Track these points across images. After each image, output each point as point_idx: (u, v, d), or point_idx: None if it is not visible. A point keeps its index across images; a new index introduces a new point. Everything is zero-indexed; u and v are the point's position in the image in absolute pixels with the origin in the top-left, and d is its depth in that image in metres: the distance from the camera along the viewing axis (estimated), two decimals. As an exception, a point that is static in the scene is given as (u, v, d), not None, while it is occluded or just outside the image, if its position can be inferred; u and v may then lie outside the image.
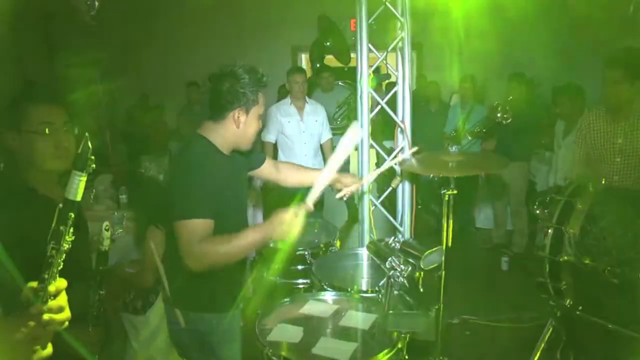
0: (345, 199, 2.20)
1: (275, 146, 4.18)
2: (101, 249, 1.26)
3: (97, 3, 2.80)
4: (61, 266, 1.01)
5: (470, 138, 4.68)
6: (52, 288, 0.98)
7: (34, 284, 1.00)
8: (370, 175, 2.48)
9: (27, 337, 0.93)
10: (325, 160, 4.18)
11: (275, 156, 4.12)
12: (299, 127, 3.99)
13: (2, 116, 1.48)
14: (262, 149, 4.30)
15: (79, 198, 1.00)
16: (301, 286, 2.43)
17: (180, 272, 1.82)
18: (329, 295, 1.93)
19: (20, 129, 1.45)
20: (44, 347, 0.96)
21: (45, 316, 0.96)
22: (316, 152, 4.10)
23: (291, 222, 1.66)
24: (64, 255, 1.01)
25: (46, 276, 0.98)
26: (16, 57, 6.86)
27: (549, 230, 2.10)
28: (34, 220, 1.46)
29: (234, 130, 1.77)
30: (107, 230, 1.21)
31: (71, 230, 1.02)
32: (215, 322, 1.86)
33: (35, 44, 7.32)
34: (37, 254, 1.43)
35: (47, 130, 1.45)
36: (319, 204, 4.28)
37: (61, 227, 1.00)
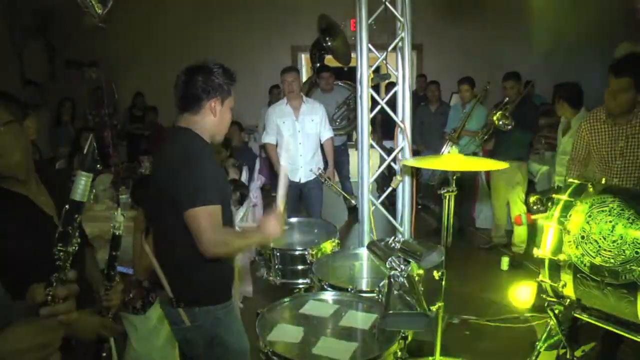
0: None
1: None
2: (116, 233, 1.27)
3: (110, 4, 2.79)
4: (69, 268, 0.99)
5: (473, 146, 4.71)
6: (62, 291, 0.96)
7: (42, 286, 0.97)
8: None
9: (42, 339, 0.91)
10: (324, 160, 4.17)
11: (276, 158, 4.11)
12: (294, 127, 3.96)
13: None
14: (265, 151, 4.33)
15: (85, 199, 0.98)
16: (301, 286, 2.43)
17: (177, 270, 1.83)
18: (329, 295, 1.93)
19: None
20: (55, 349, 0.94)
21: (58, 319, 0.95)
22: (314, 152, 4.06)
23: (277, 224, 1.81)
24: (71, 258, 0.99)
25: (55, 279, 0.96)
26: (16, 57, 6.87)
27: (549, 230, 2.10)
28: (6, 218, 1.37)
29: (212, 120, 1.85)
30: (122, 214, 1.20)
31: (77, 232, 0.99)
32: (220, 313, 1.86)
33: (35, 44, 7.32)
34: (8, 251, 1.36)
35: None
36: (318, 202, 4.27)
37: (69, 229, 0.97)
